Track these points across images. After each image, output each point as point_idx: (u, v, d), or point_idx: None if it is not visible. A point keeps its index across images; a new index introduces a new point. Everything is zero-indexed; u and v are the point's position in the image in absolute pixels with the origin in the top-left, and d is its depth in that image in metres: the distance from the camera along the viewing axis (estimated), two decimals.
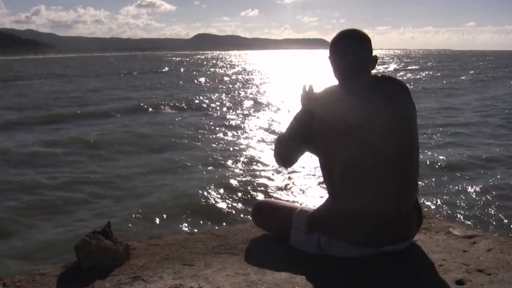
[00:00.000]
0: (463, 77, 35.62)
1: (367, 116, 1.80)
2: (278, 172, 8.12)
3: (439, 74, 41.34)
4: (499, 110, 16.81)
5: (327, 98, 1.90)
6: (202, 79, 35.33)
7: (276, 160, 2.10)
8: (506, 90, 24.78)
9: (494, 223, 5.89)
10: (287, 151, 2.02)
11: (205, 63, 79.62)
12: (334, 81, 1.98)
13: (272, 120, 14.74)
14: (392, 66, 54.92)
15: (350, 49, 1.90)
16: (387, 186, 1.82)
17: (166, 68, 55.71)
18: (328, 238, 1.92)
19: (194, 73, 46.20)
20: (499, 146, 10.60)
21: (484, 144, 10.89)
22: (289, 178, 7.62)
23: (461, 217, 6.01)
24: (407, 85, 2.00)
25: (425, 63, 70.67)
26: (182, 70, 52.81)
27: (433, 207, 6.34)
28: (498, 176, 7.96)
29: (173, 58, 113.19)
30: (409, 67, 54.33)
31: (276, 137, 2.13)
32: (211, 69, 53.41)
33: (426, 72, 43.46)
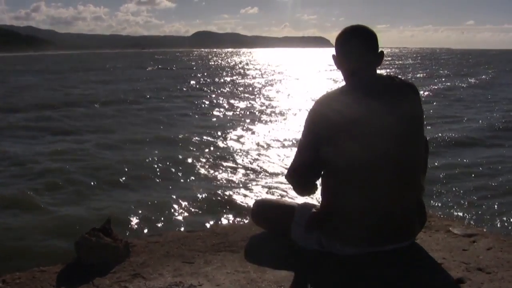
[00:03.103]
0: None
1: (366, 115, 1.77)
2: (279, 170, 8.11)
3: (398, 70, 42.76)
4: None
5: (328, 98, 1.88)
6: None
7: (299, 194, 2.05)
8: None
9: (494, 221, 5.89)
10: (304, 179, 1.97)
11: (199, 61, 79.56)
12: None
13: (273, 121, 14.71)
14: None
15: (356, 53, 1.86)
16: (386, 186, 1.81)
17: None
18: (327, 239, 1.92)
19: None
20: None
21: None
22: None
23: (461, 216, 6.01)
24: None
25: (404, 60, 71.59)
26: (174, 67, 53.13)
27: (432, 204, 6.32)
28: (498, 173, 7.96)
29: (161, 57, 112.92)
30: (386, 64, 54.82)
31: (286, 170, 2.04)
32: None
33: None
